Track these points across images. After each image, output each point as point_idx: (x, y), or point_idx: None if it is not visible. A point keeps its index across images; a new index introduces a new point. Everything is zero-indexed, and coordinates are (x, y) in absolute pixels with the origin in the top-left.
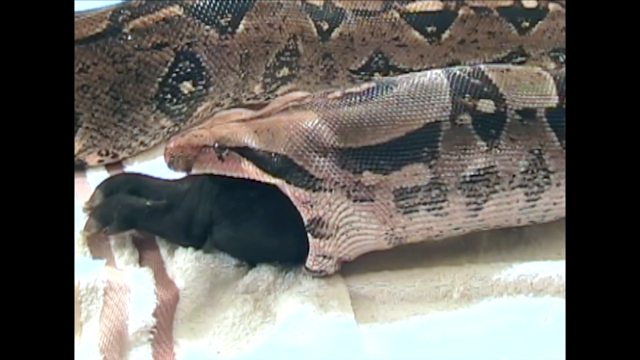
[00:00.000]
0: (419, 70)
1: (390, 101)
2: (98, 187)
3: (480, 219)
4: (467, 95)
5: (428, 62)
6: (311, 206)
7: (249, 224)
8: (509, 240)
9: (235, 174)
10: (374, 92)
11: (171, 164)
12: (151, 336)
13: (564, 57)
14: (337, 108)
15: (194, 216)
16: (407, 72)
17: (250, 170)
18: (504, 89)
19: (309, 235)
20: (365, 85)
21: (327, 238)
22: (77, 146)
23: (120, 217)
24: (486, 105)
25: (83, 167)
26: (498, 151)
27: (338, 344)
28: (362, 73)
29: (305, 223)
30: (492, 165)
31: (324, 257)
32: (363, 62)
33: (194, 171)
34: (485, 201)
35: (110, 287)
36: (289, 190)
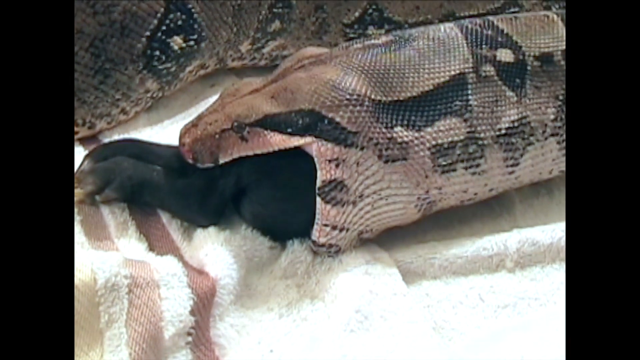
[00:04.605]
0: (415, 23)
1: (412, 54)
2: (87, 155)
3: (516, 175)
4: (484, 46)
5: (423, 14)
6: (337, 165)
7: (297, 182)
8: (542, 202)
9: (264, 151)
10: (395, 45)
11: (196, 161)
12: (189, 339)
13: (557, 6)
14: (361, 57)
15: (215, 182)
16: (401, 25)
17: (276, 140)
18: (517, 37)
19: (318, 200)
20: (384, 38)
21: (343, 205)
22: None
23: (124, 177)
24: (505, 55)
25: None
26: (527, 101)
27: (407, 325)
28: (356, 27)
29: (319, 184)
30: (525, 115)
31: (334, 228)
32: (357, 14)
33: (221, 161)
34: (522, 155)
35: (136, 284)
36: (314, 147)
